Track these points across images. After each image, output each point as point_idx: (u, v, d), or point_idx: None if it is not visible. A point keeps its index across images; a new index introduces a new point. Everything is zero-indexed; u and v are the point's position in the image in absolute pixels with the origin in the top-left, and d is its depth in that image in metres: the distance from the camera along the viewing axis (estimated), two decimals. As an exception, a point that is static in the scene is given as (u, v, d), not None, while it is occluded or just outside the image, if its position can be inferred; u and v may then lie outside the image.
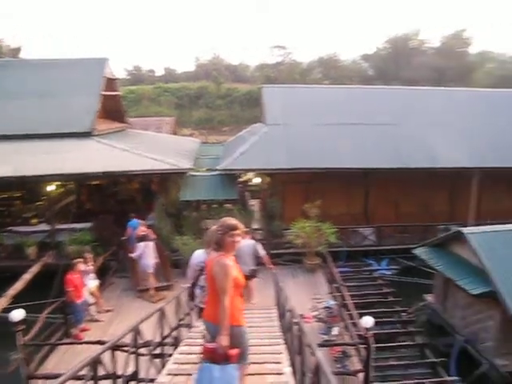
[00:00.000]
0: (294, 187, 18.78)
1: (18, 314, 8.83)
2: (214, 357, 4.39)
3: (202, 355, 4.72)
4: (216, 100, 59.39)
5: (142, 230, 14.64)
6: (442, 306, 13.90)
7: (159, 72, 73.07)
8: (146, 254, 14.21)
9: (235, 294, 4.65)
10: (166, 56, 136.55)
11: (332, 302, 12.77)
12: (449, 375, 10.93)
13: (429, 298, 14.81)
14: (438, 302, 14.15)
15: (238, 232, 4.69)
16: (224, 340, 4.35)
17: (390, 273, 17.84)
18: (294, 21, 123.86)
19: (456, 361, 11.79)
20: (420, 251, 14.37)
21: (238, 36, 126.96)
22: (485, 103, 22.88)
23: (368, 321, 8.99)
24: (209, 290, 4.83)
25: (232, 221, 4.78)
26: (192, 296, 7.40)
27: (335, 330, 11.75)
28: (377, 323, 11.65)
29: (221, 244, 4.65)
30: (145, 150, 18.23)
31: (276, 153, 18.35)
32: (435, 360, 11.43)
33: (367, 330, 9.03)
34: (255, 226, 18.60)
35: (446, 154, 18.88)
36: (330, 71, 62.16)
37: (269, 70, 61.69)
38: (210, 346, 4.49)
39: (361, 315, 10.93)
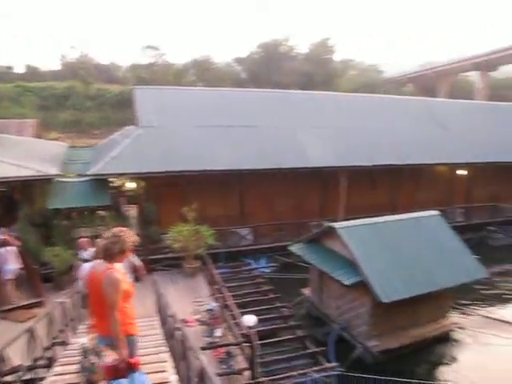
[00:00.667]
0: (170, 191, 18.39)
1: None
2: (117, 373, 4.27)
3: (105, 376, 4.48)
4: (85, 101, 56.13)
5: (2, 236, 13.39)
6: (319, 298, 14.60)
7: (19, 69, 66.97)
8: (7, 259, 13.06)
9: (126, 304, 4.54)
10: (27, 52, 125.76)
11: (214, 304, 12.70)
12: (328, 362, 11.46)
13: (306, 291, 15.47)
14: (315, 295, 14.85)
15: (128, 243, 4.53)
16: (124, 352, 4.29)
17: (268, 270, 18.35)
18: (166, 22, 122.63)
19: (334, 348, 12.44)
20: (295, 248, 14.90)
21: (108, 35, 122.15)
22: (349, 106, 24.73)
23: (250, 319, 9.08)
24: (95, 303, 4.58)
25: (122, 231, 4.62)
26: None
27: (218, 332, 11.69)
28: (259, 321, 11.91)
29: (110, 255, 4.45)
30: (4, 154, 16.49)
31: (150, 156, 17.74)
32: (316, 350, 11.93)
33: (250, 328, 9.12)
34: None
35: (316, 154, 19.93)
36: (204, 73, 62.30)
37: (141, 71, 59.90)
38: (110, 363, 4.30)
39: (243, 314, 11.04)
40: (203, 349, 9.35)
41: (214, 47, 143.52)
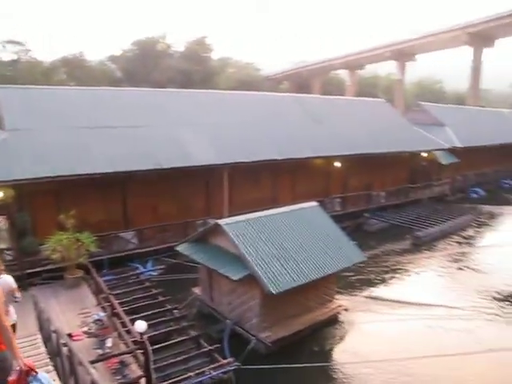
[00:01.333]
0: (44, 198, 17.15)
1: None
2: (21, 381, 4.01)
3: None
4: None
5: None
6: (210, 296, 14.71)
7: None
8: None
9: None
10: None
11: (101, 314, 12.19)
12: (224, 358, 11.61)
13: (197, 291, 15.48)
14: (206, 293, 14.93)
15: None
16: (21, 360, 4.07)
17: (156, 273, 18.02)
18: (31, 16, 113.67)
19: (229, 343, 12.70)
20: (182, 248, 14.81)
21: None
22: (228, 104, 25.13)
23: (141, 325, 8.86)
24: None
25: None
26: None
27: (109, 342, 11.26)
28: (151, 325, 11.67)
29: None
30: None
31: (18, 161, 16.28)
32: (211, 348, 11.99)
33: (141, 334, 8.90)
34: (2, 246, 16.44)
35: (197, 152, 19.98)
36: (75, 72, 58.86)
37: (3, 69, 54.67)
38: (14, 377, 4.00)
39: (133, 321, 10.73)
40: (93, 362, 8.94)
41: (86, 44, 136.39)
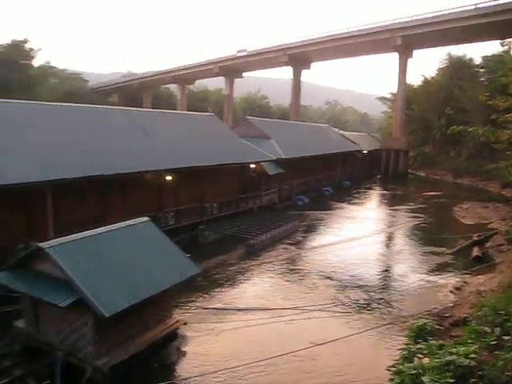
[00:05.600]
0: None
1: None
2: None
3: None
4: None
5: None
6: (36, 328, 13.30)
7: None
8: None
9: None
10: None
11: None
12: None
13: (20, 324, 13.90)
14: (31, 325, 13.45)
15: None
16: None
17: (-30, 309, 15.74)
18: None
19: (61, 378, 11.66)
20: (-1, 277, 13.20)
21: None
22: (52, 116, 23.33)
23: None
24: None
25: None
26: None
27: None
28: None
29: None
30: None
31: None
32: (43, 386, 10.89)
33: None
34: None
35: (14, 169, 18.02)
36: None
37: None
38: None
39: None
40: None
41: None
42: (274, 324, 15.82)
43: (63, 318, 12.38)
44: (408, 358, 9.04)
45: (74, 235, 13.07)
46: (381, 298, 18.58)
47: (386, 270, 23.55)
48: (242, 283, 20.46)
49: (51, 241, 12.91)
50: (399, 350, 9.68)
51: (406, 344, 9.74)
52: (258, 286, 20.17)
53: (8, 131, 20.24)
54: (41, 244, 12.22)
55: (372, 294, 19.13)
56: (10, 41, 62.78)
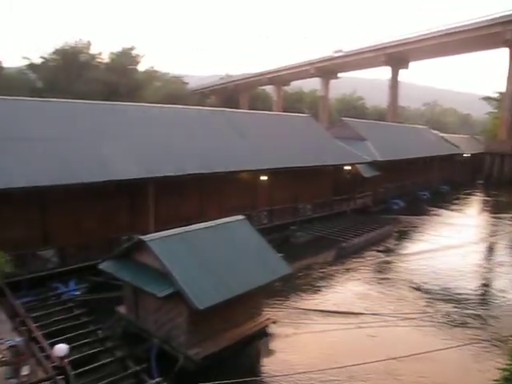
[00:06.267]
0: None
1: None
2: None
3: None
4: None
5: None
6: (135, 315, 14.26)
7: None
8: None
9: None
10: None
11: (17, 339, 11.46)
12: (152, 378, 11.33)
13: (122, 309, 14.97)
14: (131, 312, 14.45)
15: None
16: None
17: (79, 293, 17.21)
18: None
19: (156, 363, 12.36)
20: (105, 265, 14.31)
21: None
22: (155, 117, 24.82)
23: (61, 349, 8.48)
24: None
25: None
26: None
27: (26, 370, 10.57)
28: (73, 348, 11.17)
29: None
30: None
31: None
32: (138, 368, 11.67)
33: (62, 358, 8.48)
34: None
35: (120, 166, 19.46)
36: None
37: None
38: None
39: (54, 344, 10.23)
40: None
41: (3, 50, 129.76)
42: (355, 330, 15.53)
43: (160, 307, 13.15)
44: (510, 379, 8.43)
45: (173, 230, 13.80)
46: (476, 314, 17.31)
47: (485, 284, 21.94)
48: (329, 287, 20.27)
49: (152, 234, 13.78)
50: (499, 369, 9.04)
51: (508, 364, 9.06)
52: (345, 291, 19.87)
53: (116, 130, 21.93)
54: (143, 237, 13.07)
55: (466, 308, 17.90)
56: (121, 49, 67.62)
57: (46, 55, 62.60)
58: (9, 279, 15.15)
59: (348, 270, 22.41)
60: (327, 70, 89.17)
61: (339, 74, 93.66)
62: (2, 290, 14.79)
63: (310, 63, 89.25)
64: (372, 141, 39.23)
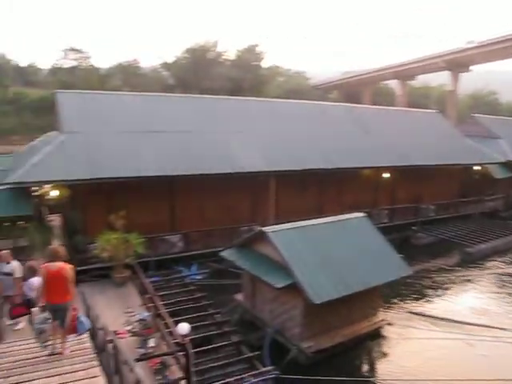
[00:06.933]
0: (96, 198, 17.71)
1: None
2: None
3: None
4: (1, 105, 52.78)
5: None
6: (252, 303, 14.70)
7: None
8: None
9: None
10: None
11: (146, 314, 12.43)
12: (264, 366, 11.57)
13: (239, 297, 15.50)
14: (248, 300, 14.92)
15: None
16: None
17: (200, 277, 18.17)
18: (91, 23, 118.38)
19: (269, 351, 12.61)
20: (227, 253, 14.89)
21: (27, 35, 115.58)
22: (278, 112, 25.21)
23: (184, 327, 8.94)
24: (59, 285, 7.09)
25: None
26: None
27: (152, 342, 11.44)
28: (193, 328, 11.78)
29: (60, 256, 7.30)
30: None
31: (74, 162, 16.96)
32: (251, 354, 12.00)
33: (184, 336, 8.97)
34: (56, 242, 17.08)
35: (245, 159, 20.10)
36: (130, 78, 60.89)
37: (64, 75, 57.41)
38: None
39: (176, 323, 10.86)
40: (137, 360, 9.10)
41: (141, 51, 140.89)
42: (483, 343, 14.10)
43: (276, 298, 13.37)
44: None
45: (293, 223, 13.91)
46: None
47: None
48: (451, 293, 18.98)
49: (272, 226, 14.00)
50: None
51: None
52: (468, 300, 18.50)
53: (241, 124, 22.71)
54: (264, 228, 13.37)
55: None
56: (247, 46, 69.91)
57: (178, 54, 66.78)
58: (140, 259, 16.51)
59: (472, 276, 20.74)
60: (458, 62, 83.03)
61: (471, 67, 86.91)
62: (135, 268, 16.15)
63: (439, 56, 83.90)
64: (506, 139, 35.81)
